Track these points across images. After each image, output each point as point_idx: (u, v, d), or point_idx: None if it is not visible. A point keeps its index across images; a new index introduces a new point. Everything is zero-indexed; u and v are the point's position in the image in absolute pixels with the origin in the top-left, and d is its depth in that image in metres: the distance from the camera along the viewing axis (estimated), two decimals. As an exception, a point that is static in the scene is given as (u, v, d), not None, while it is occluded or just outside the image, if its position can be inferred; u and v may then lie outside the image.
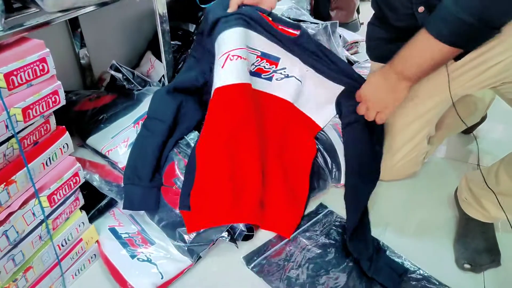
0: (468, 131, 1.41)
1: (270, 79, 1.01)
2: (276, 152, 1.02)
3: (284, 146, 1.04)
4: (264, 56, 1.00)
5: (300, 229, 1.02)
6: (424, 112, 1.02)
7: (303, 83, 1.03)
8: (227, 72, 0.91)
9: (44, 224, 0.75)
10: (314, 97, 1.06)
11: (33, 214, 0.72)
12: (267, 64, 1.00)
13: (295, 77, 1.02)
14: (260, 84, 1.01)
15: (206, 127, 0.94)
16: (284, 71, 1.02)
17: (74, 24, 1.26)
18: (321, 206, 1.11)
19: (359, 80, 1.04)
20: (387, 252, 0.97)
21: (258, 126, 0.96)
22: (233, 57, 0.91)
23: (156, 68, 1.39)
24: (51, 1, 0.74)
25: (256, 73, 1.00)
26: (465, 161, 1.32)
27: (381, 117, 0.96)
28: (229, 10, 0.98)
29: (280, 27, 1.02)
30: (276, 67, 1.01)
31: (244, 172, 0.94)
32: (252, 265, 0.93)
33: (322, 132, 1.14)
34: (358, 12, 2.28)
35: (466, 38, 0.76)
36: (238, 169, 0.93)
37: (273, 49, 1.01)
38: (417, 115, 1.03)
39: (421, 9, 0.88)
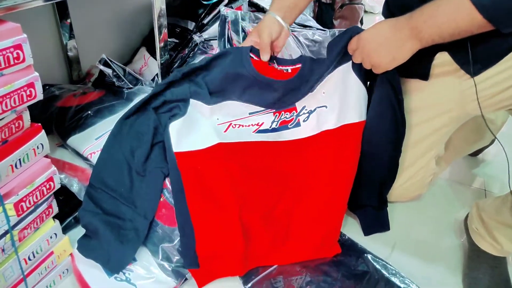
0: (475, 153, 1.36)
1: (298, 124, 0.95)
2: (315, 185, 0.95)
3: (327, 174, 0.96)
4: (279, 109, 0.95)
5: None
6: (437, 128, 0.95)
7: (328, 105, 0.94)
8: (229, 134, 0.91)
9: (8, 235, 0.66)
10: (342, 101, 0.94)
11: (-4, 224, 0.63)
12: (287, 114, 0.95)
13: (318, 107, 0.95)
14: (289, 134, 0.95)
15: (201, 175, 0.88)
16: (306, 109, 0.95)
17: (63, 13, 1.16)
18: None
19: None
20: (396, 277, 0.89)
21: (268, 174, 0.93)
22: (235, 125, 0.92)
23: (150, 66, 1.30)
24: (34, -19, 0.65)
25: (282, 127, 0.95)
26: (470, 184, 1.27)
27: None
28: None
29: (280, 68, 0.94)
30: (296, 111, 0.95)
31: (250, 218, 0.89)
32: (250, 284, 0.85)
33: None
34: (361, 23, 2.23)
35: (505, 15, 0.68)
36: (244, 216, 0.88)
37: (284, 101, 0.95)
38: (429, 131, 0.95)
39: None
